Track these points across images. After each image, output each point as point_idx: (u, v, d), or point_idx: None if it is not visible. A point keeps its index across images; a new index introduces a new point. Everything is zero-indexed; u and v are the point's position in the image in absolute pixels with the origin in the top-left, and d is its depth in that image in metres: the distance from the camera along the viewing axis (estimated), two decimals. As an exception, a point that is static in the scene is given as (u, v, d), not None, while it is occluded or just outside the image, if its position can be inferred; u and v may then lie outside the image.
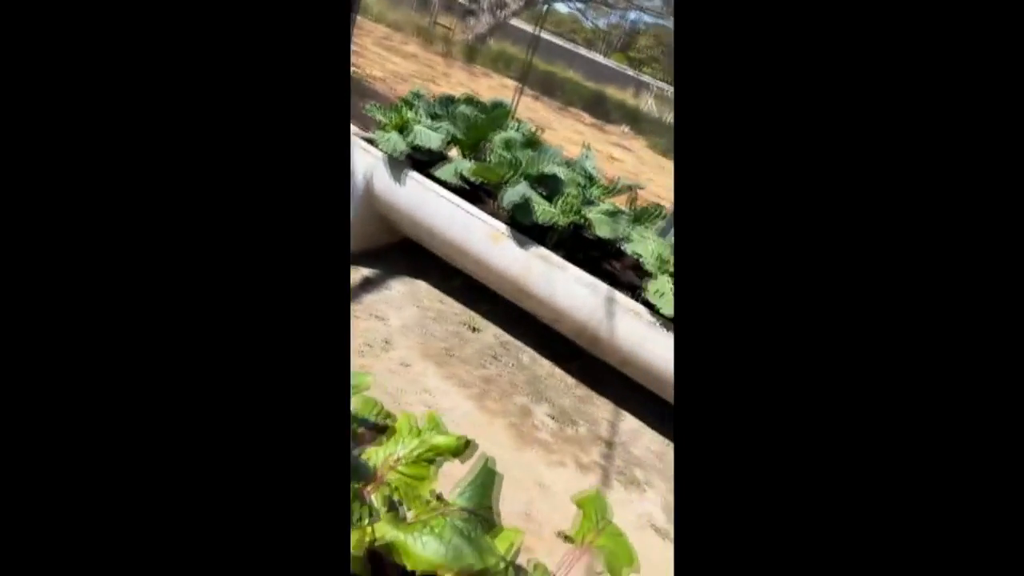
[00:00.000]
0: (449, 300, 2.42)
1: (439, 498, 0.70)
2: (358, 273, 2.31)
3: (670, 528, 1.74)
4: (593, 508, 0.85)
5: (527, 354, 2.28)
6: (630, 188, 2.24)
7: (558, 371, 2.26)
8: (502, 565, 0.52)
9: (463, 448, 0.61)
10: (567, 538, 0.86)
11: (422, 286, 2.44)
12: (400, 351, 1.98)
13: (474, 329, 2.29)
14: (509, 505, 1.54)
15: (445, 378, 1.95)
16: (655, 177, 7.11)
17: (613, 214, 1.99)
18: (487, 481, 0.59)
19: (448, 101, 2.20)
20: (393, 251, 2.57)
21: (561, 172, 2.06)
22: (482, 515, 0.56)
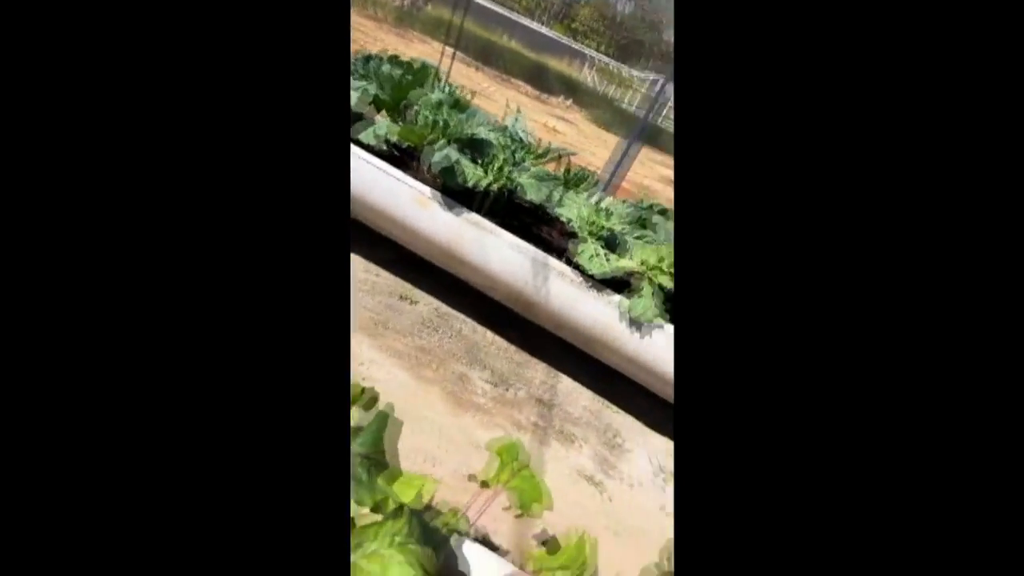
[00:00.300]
0: (382, 272, 2.35)
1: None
2: (281, 246, 2.18)
3: (603, 478, 1.84)
4: (508, 454, 0.87)
5: (464, 323, 2.27)
6: (559, 155, 2.25)
7: (496, 338, 2.28)
8: (393, 503, 0.51)
9: (359, 396, 0.60)
10: (483, 483, 0.87)
11: (352, 258, 2.35)
12: (329, 324, 1.91)
13: (409, 301, 2.24)
14: (445, 466, 1.56)
15: (379, 350, 1.90)
16: (596, 150, 7.20)
17: (543, 178, 1.99)
18: (381, 426, 0.58)
19: (368, 59, 2.07)
20: (320, 223, 2.44)
21: (490, 136, 2.02)
22: (376, 458, 0.55)
